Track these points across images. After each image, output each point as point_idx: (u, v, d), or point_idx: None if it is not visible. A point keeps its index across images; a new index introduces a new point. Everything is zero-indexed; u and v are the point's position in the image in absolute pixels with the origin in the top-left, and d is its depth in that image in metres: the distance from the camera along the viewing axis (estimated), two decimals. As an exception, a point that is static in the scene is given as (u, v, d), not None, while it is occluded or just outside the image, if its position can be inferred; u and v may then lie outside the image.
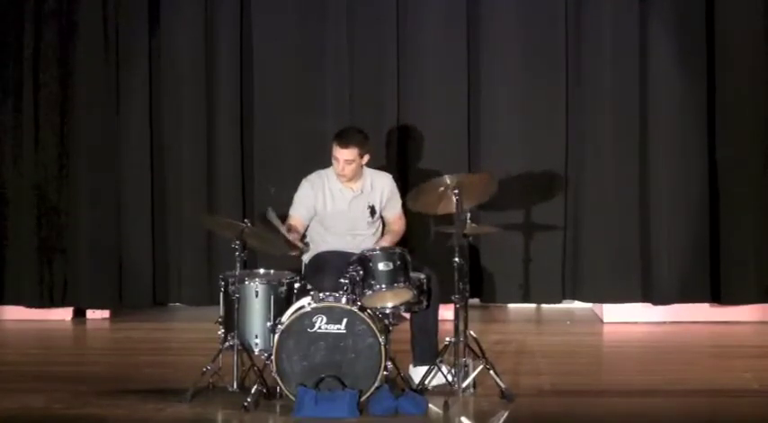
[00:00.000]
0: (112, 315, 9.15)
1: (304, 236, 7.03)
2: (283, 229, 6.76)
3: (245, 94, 8.92)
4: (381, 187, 7.10)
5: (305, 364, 6.33)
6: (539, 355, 7.75)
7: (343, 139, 6.92)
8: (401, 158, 8.82)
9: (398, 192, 7.21)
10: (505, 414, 6.27)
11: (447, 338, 6.60)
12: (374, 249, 6.65)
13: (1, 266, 8.96)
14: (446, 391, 6.53)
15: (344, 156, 6.90)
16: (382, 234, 7.16)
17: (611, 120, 8.77)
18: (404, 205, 7.11)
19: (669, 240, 8.72)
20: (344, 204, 7.01)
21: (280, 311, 6.58)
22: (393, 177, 7.25)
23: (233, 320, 6.61)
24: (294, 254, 6.94)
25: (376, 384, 6.31)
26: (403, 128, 8.84)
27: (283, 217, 7.00)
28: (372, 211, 7.05)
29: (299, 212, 7.03)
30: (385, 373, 6.35)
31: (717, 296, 8.73)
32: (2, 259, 8.96)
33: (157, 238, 8.95)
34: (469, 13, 8.81)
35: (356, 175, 7.01)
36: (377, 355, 6.31)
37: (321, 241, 7.06)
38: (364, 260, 6.55)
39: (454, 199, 6.58)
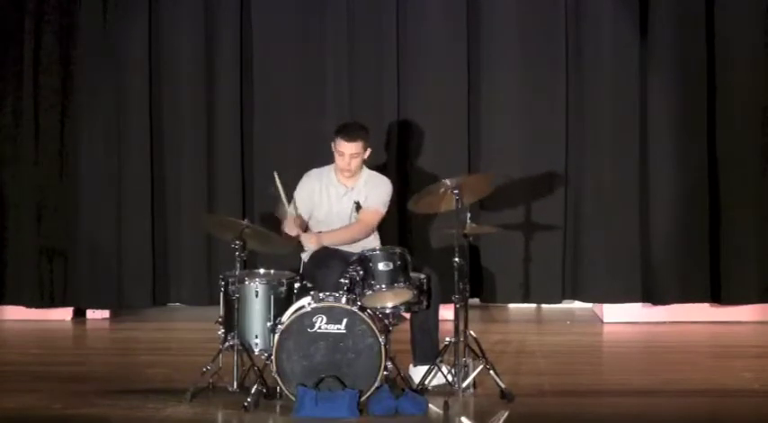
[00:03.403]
0: (112, 315, 9.15)
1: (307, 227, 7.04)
2: (285, 199, 6.77)
3: (245, 94, 8.92)
4: (375, 187, 7.06)
5: (305, 364, 6.33)
6: (539, 355, 7.75)
7: (349, 133, 6.92)
8: (401, 158, 8.82)
9: (389, 194, 7.10)
10: (505, 414, 6.27)
11: (447, 338, 6.60)
12: (374, 249, 6.65)
13: (1, 266, 8.96)
14: (446, 391, 6.53)
15: (350, 150, 6.90)
16: (380, 231, 7.16)
17: (611, 120, 8.78)
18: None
19: (669, 240, 8.72)
20: (336, 200, 7.01)
21: (280, 311, 6.58)
22: (392, 178, 7.25)
23: (233, 320, 6.61)
24: (294, 238, 6.92)
25: (376, 384, 6.31)
26: (403, 128, 8.83)
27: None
28: (358, 206, 7.02)
29: (298, 207, 7.01)
30: (385, 373, 6.35)
31: (717, 296, 8.74)
32: (2, 259, 8.96)
33: (157, 238, 8.95)
34: (469, 13, 8.81)
35: (358, 171, 7.01)
36: (377, 355, 6.31)
37: (318, 238, 7.06)
38: (364, 260, 6.55)
39: (454, 199, 6.59)
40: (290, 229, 6.90)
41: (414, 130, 8.84)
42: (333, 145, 6.97)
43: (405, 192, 8.27)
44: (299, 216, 6.94)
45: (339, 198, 7.01)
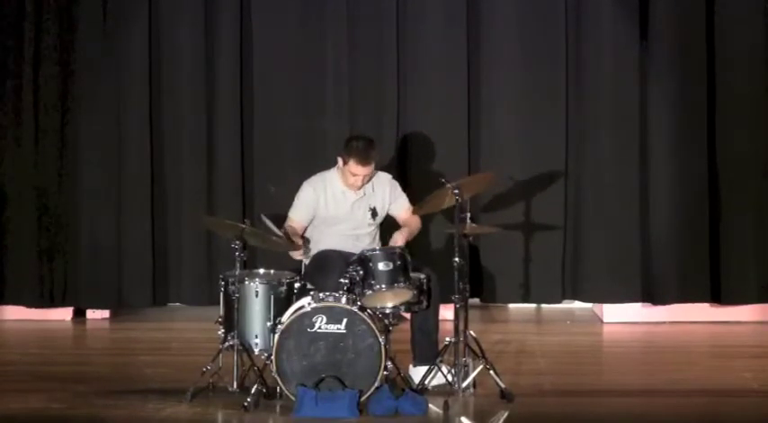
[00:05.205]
0: (112, 315, 9.15)
1: (304, 238, 7.01)
2: (279, 232, 6.75)
3: (245, 94, 8.92)
4: (382, 188, 7.09)
5: (305, 364, 6.34)
6: (539, 355, 7.75)
7: (365, 157, 6.84)
8: (401, 158, 8.82)
9: (399, 187, 7.19)
10: (505, 414, 6.27)
11: (447, 338, 6.60)
12: (374, 249, 6.65)
13: (1, 266, 8.95)
14: (446, 391, 6.54)
15: (365, 172, 6.89)
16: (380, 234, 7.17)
17: (611, 119, 8.77)
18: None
19: (669, 240, 8.72)
20: (347, 207, 7.00)
21: (280, 311, 6.58)
22: (393, 177, 7.25)
23: (233, 320, 6.62)
24: (298, 255, 6.94)
25: (376, 384, 6.31)
26: (403, 127, 8.83)
27: (282, 217, 7.01)
28: (374, 212, 7.03)
29: (298, 215, 7.00)
30: (385, 373, 6.36)
31: (717, 296, 8.74)
32: (2, 259, 8.95)
33: (157, 239, 8.94)
34: (469, 13, 8.81)
35: None
36: (377, 355, 6.32)
37: (322, 241, 7.05)
38: (364, 260, 6.55)
39: (455, 199, 6.59)
40: (294, 237, 6.89)
41: (414, 129, 8.83)
42: (341, 159, 6.93)
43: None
44: (300, 236, 6.93)
45: (350, 204, 6.99)
